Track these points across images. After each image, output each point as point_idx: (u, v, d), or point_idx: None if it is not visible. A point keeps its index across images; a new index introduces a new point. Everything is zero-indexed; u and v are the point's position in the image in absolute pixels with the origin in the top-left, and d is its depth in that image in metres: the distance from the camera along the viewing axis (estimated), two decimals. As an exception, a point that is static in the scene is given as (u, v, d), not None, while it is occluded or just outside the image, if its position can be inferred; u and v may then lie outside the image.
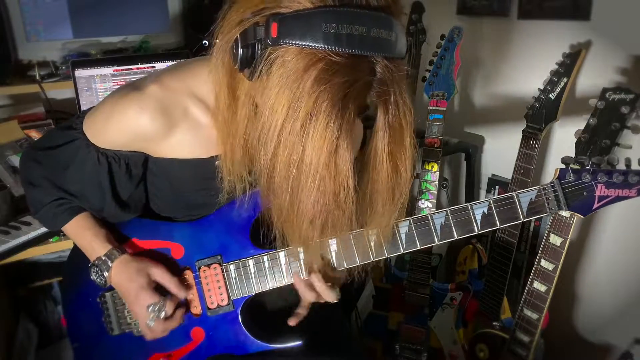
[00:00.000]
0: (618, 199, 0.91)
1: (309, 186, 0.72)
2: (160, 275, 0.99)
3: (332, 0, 0.68)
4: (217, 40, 0.78)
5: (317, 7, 0.67)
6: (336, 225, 0.78)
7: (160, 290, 0.99)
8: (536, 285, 1.21)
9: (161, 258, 1.03)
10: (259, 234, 0.99)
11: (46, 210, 1.01)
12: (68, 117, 1.82)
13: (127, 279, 0.98)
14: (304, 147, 0.70)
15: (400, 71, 0.74)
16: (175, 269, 1.03)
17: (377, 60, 0.71)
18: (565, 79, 1.38)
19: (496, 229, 1.51)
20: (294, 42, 0.67)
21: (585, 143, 1.21)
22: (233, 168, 0.87)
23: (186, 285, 1.02)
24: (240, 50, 0.72)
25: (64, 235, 1.21)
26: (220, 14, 0.77)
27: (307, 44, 0.67)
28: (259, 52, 0.70)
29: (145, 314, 0.97)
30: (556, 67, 1.40)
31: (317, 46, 0.67)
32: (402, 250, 0.96)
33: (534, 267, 1.20)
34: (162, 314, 0.97)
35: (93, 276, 1.00)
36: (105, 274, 0.99)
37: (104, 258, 0.99)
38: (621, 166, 0.91)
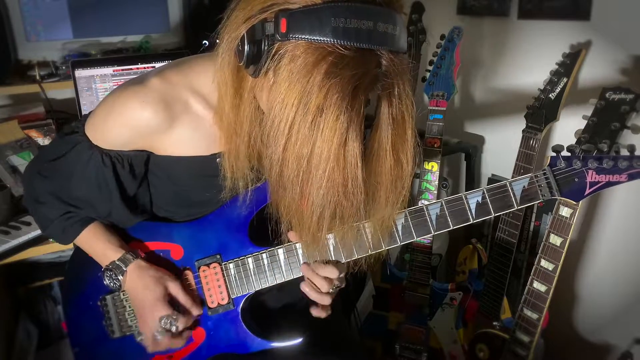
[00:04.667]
0: (609, 184, 0.93)
1: (319, 178, 0.73)
2: (177, 290, 0.99)
3: None
4: (223, 40, 0.79)
5: (325, 3, 0.69)
6: (344, 216, 0.80)
7: (172, 304, 0.99)
8: (536, 285, 1.21)
9: (161, 260, 1.04)
10: (257, 232, 0.99)
11: (55, 226, 1.01)
12: (68, 117, 1.83)
13: (143, 286, 0.98)
14: (314, 140, 0.71)
15: (403, 64, 0.75)
16: (175, 270, 1.03)
17: (382, 53, 0.72)
18: (565, 79, 1.38)
19: (497, 230, 1.53)
20: (303, 37, 0.69)
21: (585, 143, 1.21)
22: (237, 165, 0.87)
23: (191, 291, 1.02)
24: (247, 47, 0.73)
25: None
26: (226, 13, 0.78)
27: (316, 38, 0.68)
28: (266, 48, 0.71)
29: (156, 325, 0.96)
30: (556, 67, 1.40)
31: (327, 40, 0.68)
32: (399, 242, 0.97)
33: (534, 267, 1.20)
34: (174, 328, 0.97)
35: (106, 281, 1.00)
36: (120, 277, 0.99)
37: (117, 263, 0.99)
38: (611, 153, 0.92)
